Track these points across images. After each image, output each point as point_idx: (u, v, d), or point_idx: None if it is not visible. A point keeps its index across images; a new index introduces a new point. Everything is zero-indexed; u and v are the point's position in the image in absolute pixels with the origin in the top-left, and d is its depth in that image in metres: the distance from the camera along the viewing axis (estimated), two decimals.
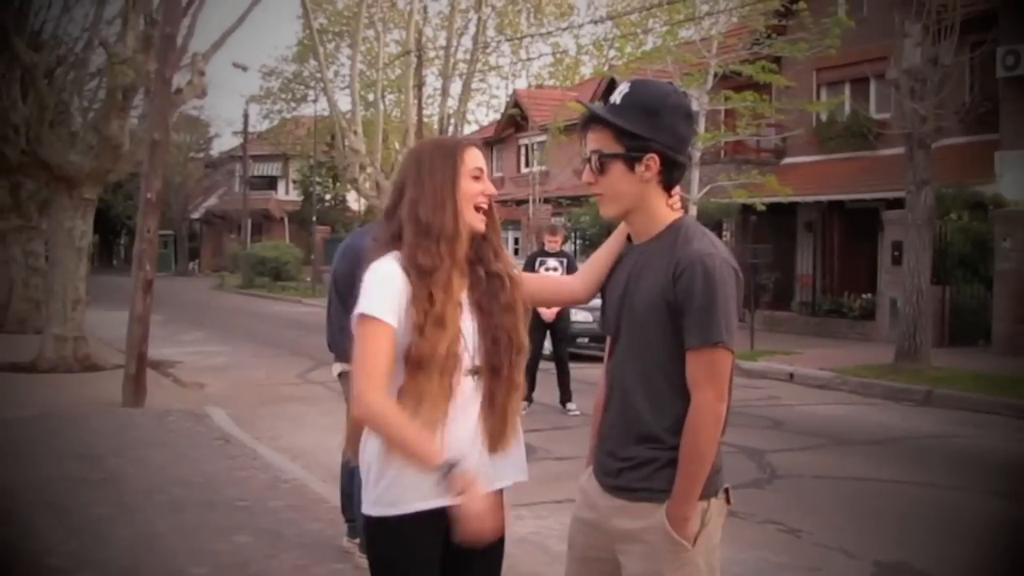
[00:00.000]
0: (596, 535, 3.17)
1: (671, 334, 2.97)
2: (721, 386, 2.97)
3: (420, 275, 3.01)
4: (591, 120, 3.12)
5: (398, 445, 2.97)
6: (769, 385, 16.21)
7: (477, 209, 3.14)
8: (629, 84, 3.11)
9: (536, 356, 12.86)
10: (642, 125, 3.01)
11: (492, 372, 3.11)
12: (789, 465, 9.99)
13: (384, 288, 3.00)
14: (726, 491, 3.14)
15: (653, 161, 3.03)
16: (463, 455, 2.99)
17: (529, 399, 12.74)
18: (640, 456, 3.03)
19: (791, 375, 16.84)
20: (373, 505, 3.07)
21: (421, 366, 2.97)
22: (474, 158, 3.17)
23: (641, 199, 3.08)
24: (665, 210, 3.12)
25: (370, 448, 3.09)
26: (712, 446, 2.98)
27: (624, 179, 3.06)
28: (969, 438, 11.89)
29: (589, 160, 3.11)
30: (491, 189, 3.19)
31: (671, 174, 3.08)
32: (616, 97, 3.08)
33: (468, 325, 3.08)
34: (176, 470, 8.99)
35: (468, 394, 3.07)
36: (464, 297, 3.10)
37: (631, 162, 3.04)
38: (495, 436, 3.14)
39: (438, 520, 2.99)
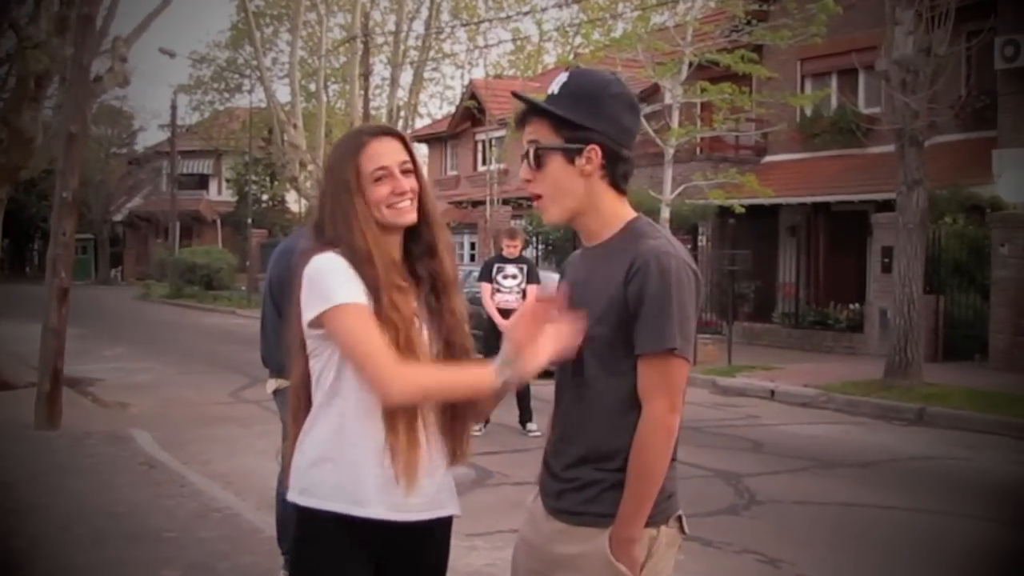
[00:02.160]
0: (537, 559, 3.20)
1: (622, 342, 2.99)
2: (674, 397, 3.00)
3: (359, 264, 3.05)
4: (528, 111, 3.14)
5: (458, 395, 3.07)
6: (748, 403, 16.32)
7: (390, 208, 3.15)
8: (568, 73, 3.15)
9: None
10: (581, 114, 3.04)
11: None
12: (769, 490, 10.07)
13: (340, 275, 3.02)
14: (679, 519, 3.15)
15: (594, 153, 3.05)
16: (427, 466, 3.09)
17: (486, 419, 12.78)
18: (584, 477, 3.05)
19: (772, 392, 16.97)
20: (301, 494, 3.09)
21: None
22: (374, 158, 3.15)
23: (587, 198, 3.09)
24: (620, 208, 3.14)
25: (317, 434, 3.11)
26: (663, 462, 2.99)
27: (564, 174, 3.06)
28: (964, 460, 12.03)
29: (525, 155, 3.12)
30: (404, 186, 3.17)
31: (615, 167, 3.10)
32: (554, 87, 3.11)
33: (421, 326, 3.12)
34: (96, 499, 8.94)
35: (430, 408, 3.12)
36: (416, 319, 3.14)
37: (571, 155, 3.06)
38: (456, 447, 3.24)
39: (373, 533, 3.05)
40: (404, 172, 3.18)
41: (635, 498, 2.97)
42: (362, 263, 3.05)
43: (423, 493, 3.09)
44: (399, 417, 3.01)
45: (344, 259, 3.05)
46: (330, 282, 3.02)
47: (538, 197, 3.13)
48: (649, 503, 2.98)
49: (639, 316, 2.95)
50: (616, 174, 3.11)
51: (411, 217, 3.17)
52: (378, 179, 3.13)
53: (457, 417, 3.21)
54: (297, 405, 3.22)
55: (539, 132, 3.09)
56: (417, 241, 3.24)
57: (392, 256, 3.15)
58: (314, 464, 3.07)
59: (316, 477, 3.06)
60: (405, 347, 3.00)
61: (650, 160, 26.12)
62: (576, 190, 3.08)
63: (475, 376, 3.02)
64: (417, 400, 3.03)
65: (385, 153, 3.16)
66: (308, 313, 3.03)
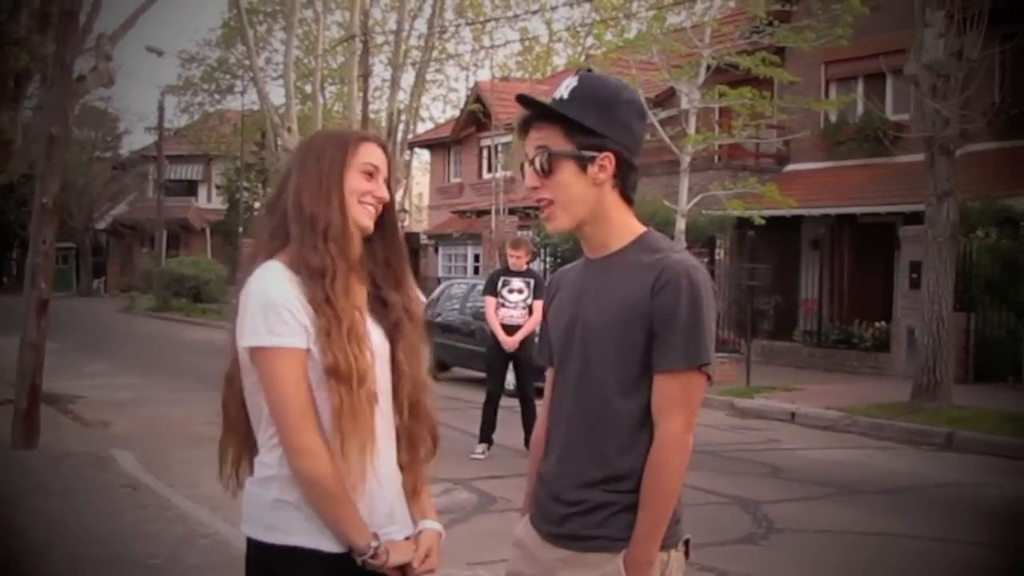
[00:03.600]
0: None
1: (636, 356, 3.02)
2: (692, 415, 3.03)
3: (312, 276, 3.02)
4: (538, 115, 3.15)
5: (331, 514, 3.00)
6: (767, 426, 16.31)
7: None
8: (577, 77, 3.16)
9: (497, 392, 12.93)
10: (595, 120, 3.06)
11: (404, 405, 3.18)
12: (789, 518, 10.06)
13: (278, 307, 2.98)
14: (686, 543, 3.16)
15: (608, 161, 3.08)
16: (377, 499, 3.08)
17: (489, 441, 12.80)
18: (593, 500, 3.06)
19: (793, 415, 16.96)
20: (267, 531, 3.08)
21: (341, 377, 2.97)
22: (369, 153, 3.17)
23: (597, 207, 3.11)
24: (630, 219, 3.17)
25: (273, 470, 3.09)
26: (679, 481, 3.03)
27: (576, 182, 3.08)
28: (995, 487, 12.01)
29: (532, 161, 3.12)
30: (382, 192, 3.18)
31: (627, 177, 3.13)
32: (563, 91, 3.12)
33: (375, 345, 3.10)
34: (76, 522, 8.94)
35: (380, 421, 3.10)
36: (368, 316, 3.13)
37: (583, 162, 3.07)
38: (416, 481, 3.24)
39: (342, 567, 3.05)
40: (385, 182, 3.21)
41: (652, 519, 2.99)
42: (331, 238, 3.05)
43: (373, 515, 3.08)
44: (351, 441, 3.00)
45: (289, 269, 3.03)
46: (262, 314, 2.98)
47: (548, 204, 3.14)
48: (665, 524, 3.01)
49: (668, 331, 2.98)
50: (627, 184, 3.14)
51: (368, 224, 3.16)
52: (366, 172, 3.16)
53: (411, 445, 3.22)
54: (233, 433, 3.24)
55: (549, 137, 3.10)
56: (387, 269, 3.24)
57: (359, 250, 3.15)
58: (277, 501, 3.07)
59: (281, 513, 3.06)
60: (349, 337, 2.99)
61: (665, 168, 26.16)
62: (587, 199, 3.10)
63: (355, 524, 3.01)
64: (309, 486, 2.99)
65: (378, 157, 3.19)
66: (243, 340, 3.02)
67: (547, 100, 3.19)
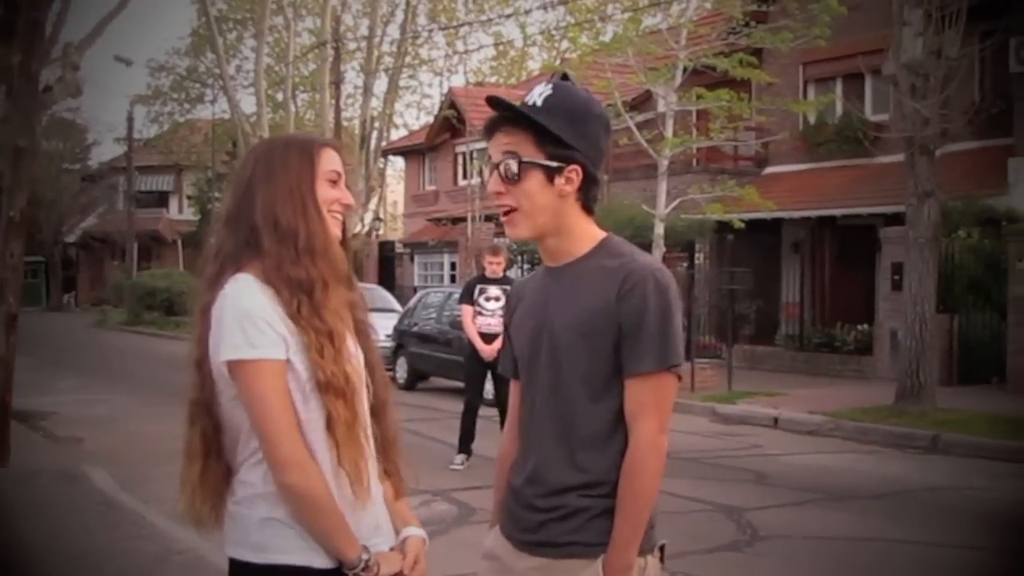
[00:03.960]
0: None
1: (606, 361, 3.05)
2: (666, 417, 3.07)
3: (295, 290, 2.99)
4: (509, 119, 3.13)
5: (321, 527, 2.98)
6: (750, 432, 16.34)
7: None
8: (552, 86, 3.16)
9: (476, 402, 12.92)
10: (568, 132, 3.08)
11: (381, 410, 3.18)
12: (773, 524, 10.06)
13: (255, 318, 2.95)
14: (661, 548, 3.18)
15: (575, 173, 3.10)
16: (373, 501, 3.08)
17: (468, 451, 12.77)
18: (569, 505, 3.07)
19: (775, 420, 16.99)
20: (256, 551, 3.05)
21: (337, 392, 2.97)
22: (331, 159, 3.15)
23: (560, 218, 3.13)
24: (591, 227, 3.19)
25: (259, 488, 3.06)
26: (657, 484, 3.04)
27: (541, 191, 3.09)
28: (982, 490, 12.05)
29: (498, 166, 3.12)
30: (348, 198, 3.18)
31: (590, 190, 3.15)
32: (536, 98, 3.12)
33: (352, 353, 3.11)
34: (48, 541, 8.90)
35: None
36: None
37: (551, 173, 3.08)
38: (396, 487, 3.26)
39: None
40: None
41: (630, 523, 3.01)
42: (316, 252, 3.03)
43: (361, 528, 3.07)
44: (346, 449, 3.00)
45: (259, 281, 3.01)
46: (253, 331, 2.95)
47: (510, 210, 3.13)
48: (643, 527, 3.04)
49: (638, 334, 3.01)
50: (589, 196, 3.17)
51: (339, 235, 3.16)
52: (331, 181, 3.15)
53: (387, 448, 3.23)
54: (203, 455, 3.20)
55: (519, 144, 3.10)
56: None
57: (345, 262, 3.16)
58: (265, 520, 3.04)
59: (270, 532, 3.04)
60: (340, 351, 2.99)
61: (643, 172, 26.26)
62: (551, 209, 3.11)
63: (346, 537, 2.99)
64: (298, 500, 2.97)
65: (337, 162, 3.18)
66: (221, 354, 2.98)
67: (519, 104, 3.18)
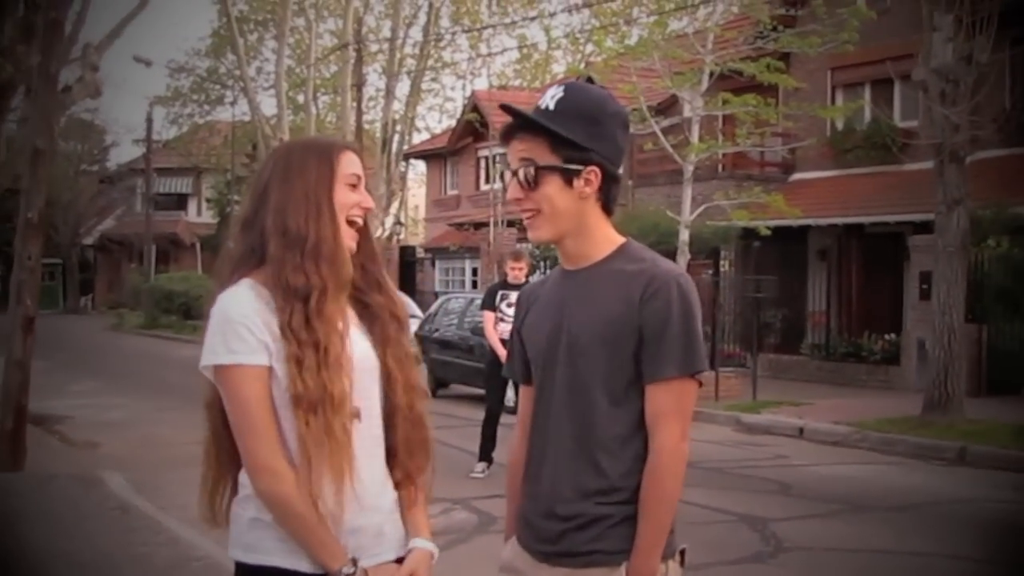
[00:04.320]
0: None
1: (626, 365, 3.06)
2: (687, 423, 3.08)
3: (290, 297, 3.00)
4: (522, 126, 3.16)
5: (298, 535, 3.00)
6: (775, 442, 16.30)
7: (350, 224, 3.14)
8: (564, 88, 3.18)
9: (497, 409, 12.91)
10: (582, 134, 3.10)
11: (394, 413, 3.17)
12: (797, 536, 10.05)
13: (236, 324, 2.99)
14: (682, 553, 3.18)
15: (594, 175, 3.12)
16: (362, 516, 3.07)
17: (489, 459, 12.78)
18: (589, 513, 3.08)
19: (801, 430, 16.95)
20: (246, 551, 3.09)
21: (311, 407, 2.96)
22: (351, 163, 3.16)
23: (580, 219, 3.15)
24: (610, 231, 3.21)
25: (246, 483, 3.09)
26: (679, 489, 3.06)
27: (560, 195, 3.11)
28: (1009, 503, 12.02)
29: (516, 173, 3.15)
30: (368, 201, 3.19)
31: (610, 190, 3.17)
32: (549, 101, 3.15)
33: (358, 359, 3.10)
34: (64, 546, 8.94)
35: (367, 439, 3.10)
36: (352, 327, 3.13)
37: (569, 176, 3.11)
38: (411, 495, 3.23)
39: None
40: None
41: (653, 528, 3.03)
42: (323, 257, 3.04)
43: (359, 537, 3.07)
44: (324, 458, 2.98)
45: (256, 289, 3.04)
46: (221, 333, 2.99)
47: (533, 213, 3.16)
48: (666, 533, 3.05)
49: (660, 339, 3.03)
50: (610, 197, 3.19)
51: (354, 245, 3.16)
52: (351, 185, 3.15)
53: (399, 454, 3.20)
54: (216, 455, 3.22)
55: (534, 150, 3.12)
56: (364, 272, 3.23)
57: (351, 269, 3.14)
58: (254, 520, 3.08)
59: (258, 533, 3.07)
60: (326, 363, 2.98)
61: (668, 178, 26.22)
62: (571, 212, 3.14)
63: (328, 546, 2.99)
64: (273, 507, 2.99)
65: (357, 165, 3.19)
66: (205, 359, 3.02)
67: (530, 110, 3.20)
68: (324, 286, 3.02)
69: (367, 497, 3.08)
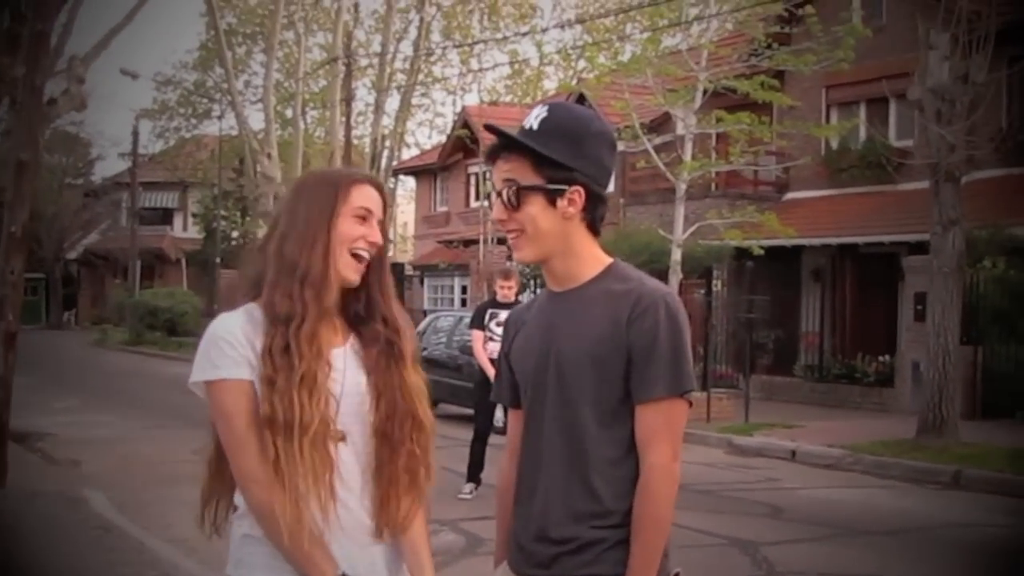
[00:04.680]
0: None
1: (615, 386, 3.07)
2: (678, 443, 3.08)
3: (276, 322, 3.05)
4: (505, 146, 3.18)
5: (285, 548, 3.01)
6: (767, 465, 16.31)
7: (355, 257, 3.15)
8: (547, 108, 3.20)
9: (486, 430, 12.91)
10: (565, 153, 3.11)
11: (384, 441, 3.15)
12: (789, 560, 10.06)
13: (219, 341, 3.06)
14: None
15: (578, 194, 3.12)
16: (352, 544, 3.08)
17: (477, 481, 12.77)
18: (583, 537, 3.08)
19: (793, 452, 16.96)
20: (236, 567, 3.15)
21: (276, 428, 2.98)
22: (363, 196, 3.18)
23: (565, 240, 3.16)
24: (597, 251, 3.22)
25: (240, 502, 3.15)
26: (671, 511, 3.06)
27: (544, 215, 3.12)
28: (1004, 528, 12.04)
29: (500, 193, 3.16)
30: (376, 236, 3.19)
31: (595, 210, 3.18)
32: (532, 121, 3.16)
33: (349, 384, 3.12)
34: (44, 565, 8.92)
35: (354, 464, 3.12)
36: (342, 352, 3.15)
37: (552, 196, 3.11)
38: (383, 517, 3.17)
39: None
40: (379, 224, 3.23)
41: (646, 552, 3.03)
42: (308, 284, 3.07)
43: (353, 564, 3.08)
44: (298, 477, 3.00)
45: (252, 313, 3.09)
46: (207, 352, 3.06)
47: (517, 233, 3.17)
48: (659, 556, 3.05)
49: (648, 360, 3.04)
50: (595, 216, 3.20)
51: (356, 278, 3.18)
52: (359, 216, 3.17)
53: (390, 483, 3.17)
54: (216, 470, 3.26)
55: (517, 170, 3.13)
56: (372, 304, 3.26)
57: (335, 297, 3.17)
58: (245, 536, 3.12)
59: (248, 549, 3.12)
60: (301, 385, 3.00)
61: (660, 196, 26.25)
62: (555, 232, 3.15)
63: (316, 562, 3.01)
64: (261, 518, 3.03)
65: (372, 199, 3.21)
66: (192, 376, 3.09)
67: (514, 130, 3.21)
68: (305, 312, 3.05)
69: (353, 522, 3.10)
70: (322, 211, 3.14)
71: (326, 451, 3.02)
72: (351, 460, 3.10)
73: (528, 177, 3.11)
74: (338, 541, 3.05)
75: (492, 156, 3.20)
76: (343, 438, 3.08)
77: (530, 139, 3.12)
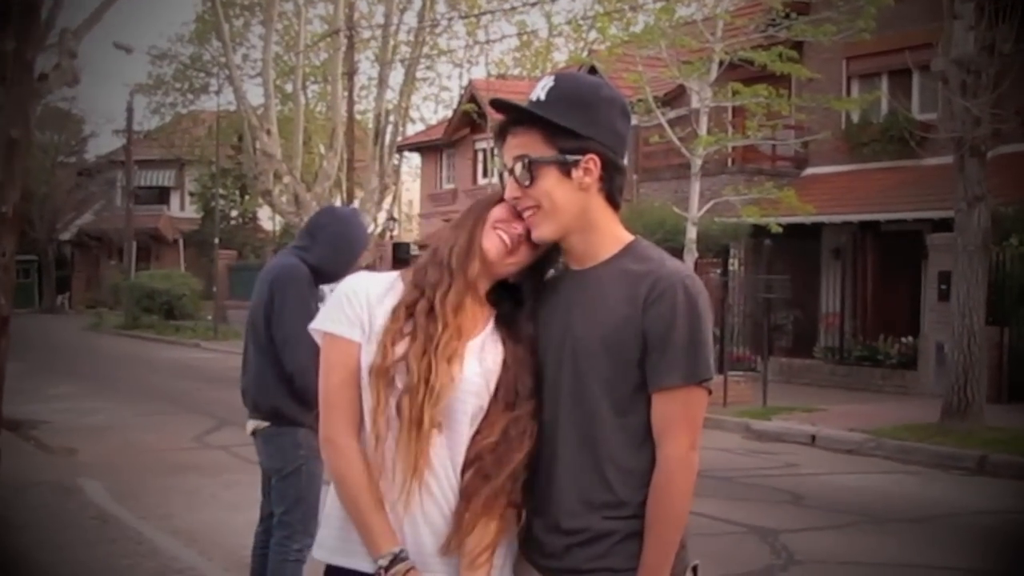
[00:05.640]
0: None
1: (631, 373, 3.04)
2: (696, 432, 3.06)
3: (421, 286, 3.16)
4: (514, 120, 3.17)
5: (352, 513, 3.11)
6: (786, 450, 16.32)
7: (500, 238, 3.19)
8: (554, 77, 3.19)
9: None
10: (576, 121, 3.09)
11: (475, 455, 3.13)
12: (810, 548, 10.08)
13: (341, 296, 3.19)
14: (694, 569, 3.18)
15: (593, 163, 3.10)
16: (426, 544, 3.11)
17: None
18: (595, 528, 3.07)
19: (813, 437, 16.98)
20: (318, 548, 3.27)
21: (388, 381, 3.06)
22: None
23: (584, 213, 3.12)
24: (618, 228, 3.20)
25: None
26: (688, 504, 3.05)
27: (560, 188, 3.09)
28: None
29: (512, 170, 3.14)
30: (519, 229, 3.19)
31: (613, 180, 3.15)
32: (539, 92, 3.15)
33: (467, 374, 3.13)
34: (40, 557, 8.95)
35: (445, 457, 3.13)
36: (479, 342, 3.18)
37: (566, 167, 3.09)
38: (454, 536, 3.14)
39: None
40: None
41: (660, 546, 3.02)
42: (454, 255, 3.19)
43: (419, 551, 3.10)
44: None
45: (391, 281, 3.24)
46: (330, 302, 3.22)
47: (534, 210, 3.13)
48: (674, 549, 3.04)
49: (665, 346, 3.01)
50: (613, 187, 3.17)
51: (495, 255, 3.19)
52: (512, 209, 3.22)
53: (481, 503, 3.12)
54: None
55: (528, 144, 3.12)
56: (519, 305, 3.32)
57: (478, 270, 3.20)
58: (326, 516, 3.24)
59: (323, 532, 3.25)
60: (439, 350, 3.07)
61: (675, 172, 26.22)
62: (573, 205, 3.11)
63: (377, 533, 3.07)
64: (335, 481, 3.16)
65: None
66: (315, 321, 3.23)
67: (523, 103, 3.20)
68: (451, 281, 3.15)
69: (433, 510, 3.12)
70: (479, 204, 3.30)
71: (431, 425, 3.07)
72: (443, 451, 3.12)
73: (540, 150, 3.09)
74: (414, 522, 3.10)
75: (502, 132, 3.19)
76: (439, 426, 3.10)
77: (538, 110, 3.10)
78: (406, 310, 3.12)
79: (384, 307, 3.14)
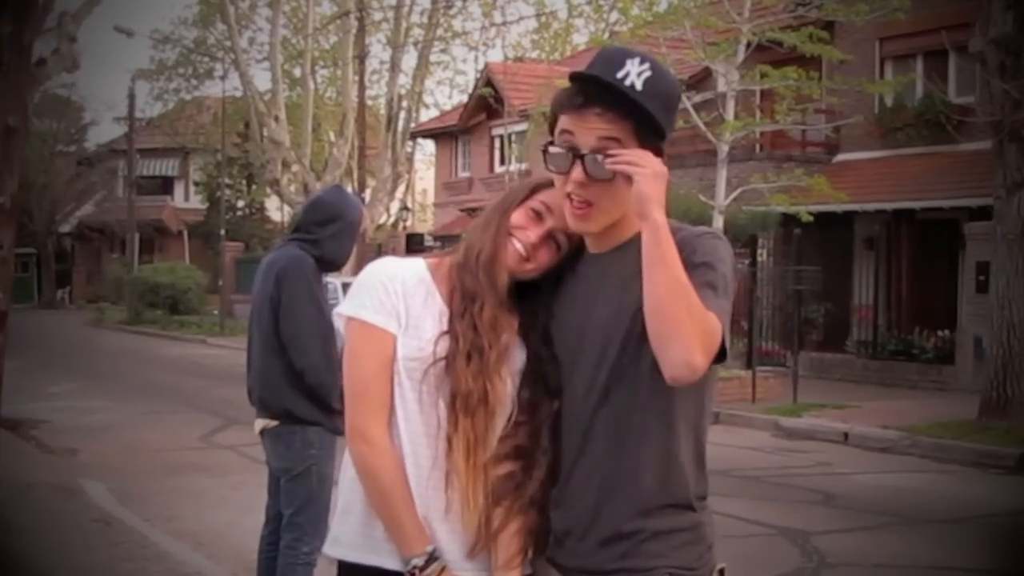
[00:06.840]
0: None
1: (652, 357, 2.95)
2: (707, 341, 2.90)
3: (464, 298, 3.18)
4: (611, 102, 3.00)
5: (380, 509, 3.14)
6: (817, 448, 16.31)
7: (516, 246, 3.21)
8: (649, 65, 3.03)
9: None
10: (666, 120, 3.04)
11: (523, 460, 3.19)
12: (842, 551, 10.08)
13: (377, 286, 3.20)
14: (721, 572, 3.17)
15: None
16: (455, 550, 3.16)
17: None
18: (621, 529, 3.06)
19: (846, 435, 16.96)
20: (333, 545, 3.30)
21: (467, 408, 3.11)
22: (549, 195, 3.21)
23: (624, 206, 3.05)
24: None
25: (347, 476, 3.27)
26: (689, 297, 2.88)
27: (625, 187, 2.95)
28: None
29: (583, 157, 3.01)
30: (533, 237, 3.19)
31: None
32: (634, 79, 2.98)
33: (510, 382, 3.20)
34: (41, 561, 8.98)
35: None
36: (511, 350, 3.22)
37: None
38: (480, 538, 3.19)
39: None
40: (549, 233, 3.24)
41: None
42: (481, 264, 3.20)
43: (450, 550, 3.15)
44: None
45: (421, 273, 3.28)
46: (362, 287, 3.23)
47: (586, 205, 3.05)
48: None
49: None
50: None
51: (510, 264, 3.22)
52: (534, 211, 3.23)
53: (501, 511, 3.19)
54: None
55: (617, 129, 3.00)
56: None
57: (506, 282, 3.23)
58: (343, 511, 3.27)
59: (342, 528, 3.26)
60: (496, 365, 3.13)
61: (700, 159, 26.17)
62: (627, 203, 3.01)
63: (408, 531, 3.12)
64: (363, 475, 3.17)
65: (552, 195, 3.22)
66: (342, 305, 3.26)
67: (614, 82, 3.03)
68: (484, 296, 3.17)
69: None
70: (505, 200, 3.29)
71: (487, 431, 3.13)
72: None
73: (629, 144, 2.99)
74: (448, 523, 3.15)
75: (584, 106, 3.02)
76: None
77: (643, 101, 2.97)
78: (459, 325, 3.16)
79: (416, 299, 3.19)
